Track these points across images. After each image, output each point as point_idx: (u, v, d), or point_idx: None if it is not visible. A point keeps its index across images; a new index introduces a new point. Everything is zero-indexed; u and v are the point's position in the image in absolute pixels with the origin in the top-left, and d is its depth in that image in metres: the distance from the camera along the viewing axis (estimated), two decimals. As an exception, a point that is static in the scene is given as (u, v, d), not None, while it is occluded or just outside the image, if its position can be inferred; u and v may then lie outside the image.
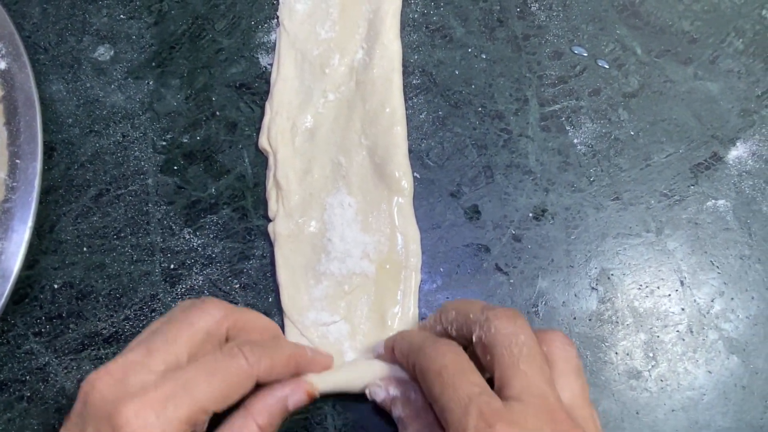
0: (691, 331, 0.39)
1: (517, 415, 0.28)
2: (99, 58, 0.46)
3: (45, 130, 0.44)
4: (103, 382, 0.30)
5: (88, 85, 0.46)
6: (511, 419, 0.28)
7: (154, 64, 0.46)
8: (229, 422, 0.33)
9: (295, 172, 0.42)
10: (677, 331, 0.39)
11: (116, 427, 0.28)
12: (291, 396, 0.35)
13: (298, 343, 0.39)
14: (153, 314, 0.41)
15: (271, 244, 0.41)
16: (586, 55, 0.45)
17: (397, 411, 0.35)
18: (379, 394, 0.36)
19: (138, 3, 0.48)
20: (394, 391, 0.35)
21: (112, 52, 0.47)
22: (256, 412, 0.33)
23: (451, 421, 0.29)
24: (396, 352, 0.36)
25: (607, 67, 0.45)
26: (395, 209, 0.41)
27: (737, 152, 0.43)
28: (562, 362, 0.32)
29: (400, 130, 0.42)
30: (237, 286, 0.41)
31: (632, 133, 0.44)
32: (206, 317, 0.33)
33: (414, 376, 0.33)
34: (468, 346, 0.33)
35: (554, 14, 0.46)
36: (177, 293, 0.41)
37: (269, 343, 0.35)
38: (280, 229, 0.41)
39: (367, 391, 0.36)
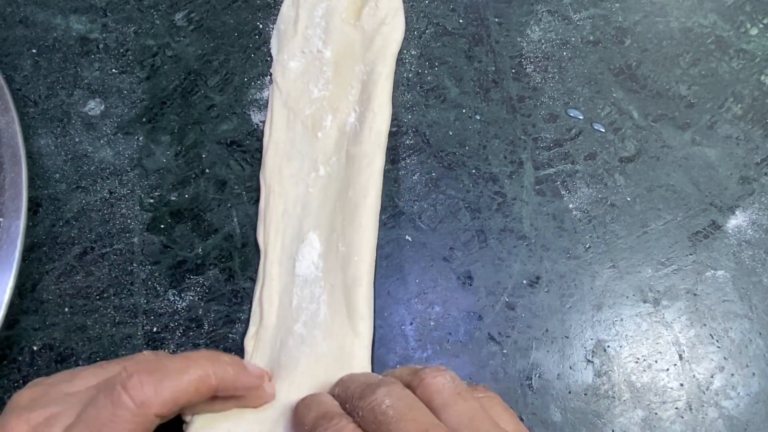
0: (691, 409, 0.38)
1: None
2: (89, 113, 0.46)
3: (31, 186, 0.43)
4: None
5: (77, 139, 0.45)
6: None
7: (144, 119, 0.46)
8: None
9: (277, 293, 0.40)
10: (676, 408, 0.38)
11: None
12: None
13: (220, 361, 0.32)
14: (133, 379, 0.39)
15: (256, 310, 0.40)
16: (581, 118, 0.45)
17: None
18: None
19: (130, 57, 0.47)
20: None
21: (102, 107, 0.46)
22: None
23: None
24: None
25: (603, 130, 0.44)
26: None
27: (736, 221, 0.42)
28: None
29: (369, 244, 0.40)
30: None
31: (629, 199, 0.43)
32: (125, 413, 0.28)
33: None
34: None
35: (549, 76, 0.46)
36: (159, 358, 0.40)
37: (171, 364, 0.29)
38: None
39: None
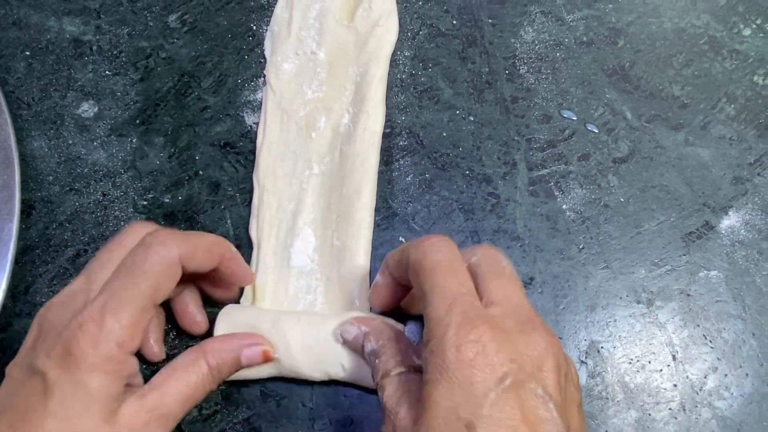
0: (684, 409, 0.38)
1: (497, 317, 0.29)
2: (82, 115, 0.46)
3: (24, 188, 0.43)
4: (52, 312, 0.33)
5: (71, 141, 0.45)
6: (492, 320, 0.29)
7: (138, 121, 0.45)
8: (182, 356, 0.34)
9: (272, 281, 0.41)
10: (669, 408, 0.38)
11: (65, 342, 0.30)
12: (246, 349, 0.35)
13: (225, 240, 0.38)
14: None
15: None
16: (575, 119, 0.45)
17: (370, 345, 0.34)
18: (351, 332, 0.36)
19: (124, 59, 0.47)
20: (365, 327, 0.35)
21: (96, 109, 0.46)
22: (209, 351, 0.34)
23: (434, 317, 0.29)
24: (391, 264, 0.35)
25: (596, 131, 0.44)
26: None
27: (730, 221, 0.42)
28: None
29: (364, 239, 0.41)
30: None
31: (622, 199, 0.43)
32: (134, 235, 0.35)
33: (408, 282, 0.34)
34: None
35: (543, 77, 0.46)
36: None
37: (190, 232, 0.37)
38: None
39: (338, 334, 0.36)
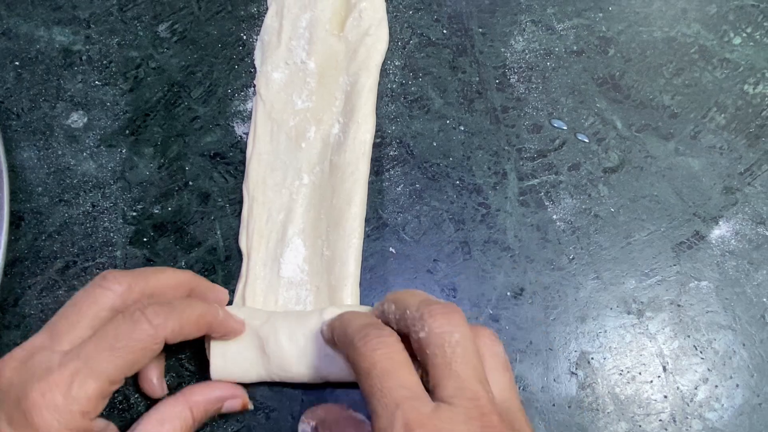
0: (675, 421, 0.38)
1: (446, 421, 0.27)
2: (72, 125, 0.46)
3: (13, 199, 0.43)
4: (9, 368, 0.31)
5: (60, 152, 0.45)
6: (439, 427, 0.27)
7: (127, 131, 0.45)
8: (165, 405, 0.34)
9: (262, 292, 0.41)
10: (660, 420, 0.38)
11: (26, 411, 0.29)
12: (229, 401, 0.36)
13: (211, 303, 0.37)
14: (116, 394, 0.39)
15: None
16: (565, 128, 0.45)
17: None
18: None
19: (114, 69, 0.47)
20: (313, 422, 0.36)
21: (85, 119, 0.46)
22: (194, 404, 0.34)
23: (377, 429, 0.28)
24: (335, 337, 0.34)
25: (586, 141, 0.44)
26: None
27: (720, 231, 0.42)
28: (491, 357, 0.31)
29: (354, 249, 0.40)
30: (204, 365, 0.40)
31: (612, 209, 0.43)
32: (108, 294, 0.33)
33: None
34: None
35: (533, 86, 0.46)
36: (141, 373, 0.40)
37: (178, 303, 0.34)
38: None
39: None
